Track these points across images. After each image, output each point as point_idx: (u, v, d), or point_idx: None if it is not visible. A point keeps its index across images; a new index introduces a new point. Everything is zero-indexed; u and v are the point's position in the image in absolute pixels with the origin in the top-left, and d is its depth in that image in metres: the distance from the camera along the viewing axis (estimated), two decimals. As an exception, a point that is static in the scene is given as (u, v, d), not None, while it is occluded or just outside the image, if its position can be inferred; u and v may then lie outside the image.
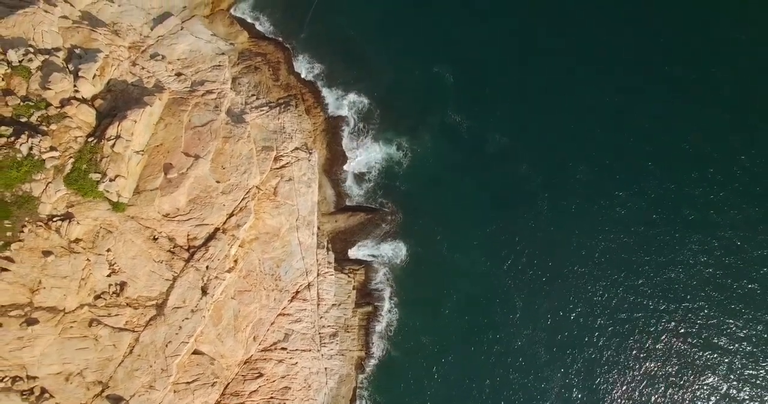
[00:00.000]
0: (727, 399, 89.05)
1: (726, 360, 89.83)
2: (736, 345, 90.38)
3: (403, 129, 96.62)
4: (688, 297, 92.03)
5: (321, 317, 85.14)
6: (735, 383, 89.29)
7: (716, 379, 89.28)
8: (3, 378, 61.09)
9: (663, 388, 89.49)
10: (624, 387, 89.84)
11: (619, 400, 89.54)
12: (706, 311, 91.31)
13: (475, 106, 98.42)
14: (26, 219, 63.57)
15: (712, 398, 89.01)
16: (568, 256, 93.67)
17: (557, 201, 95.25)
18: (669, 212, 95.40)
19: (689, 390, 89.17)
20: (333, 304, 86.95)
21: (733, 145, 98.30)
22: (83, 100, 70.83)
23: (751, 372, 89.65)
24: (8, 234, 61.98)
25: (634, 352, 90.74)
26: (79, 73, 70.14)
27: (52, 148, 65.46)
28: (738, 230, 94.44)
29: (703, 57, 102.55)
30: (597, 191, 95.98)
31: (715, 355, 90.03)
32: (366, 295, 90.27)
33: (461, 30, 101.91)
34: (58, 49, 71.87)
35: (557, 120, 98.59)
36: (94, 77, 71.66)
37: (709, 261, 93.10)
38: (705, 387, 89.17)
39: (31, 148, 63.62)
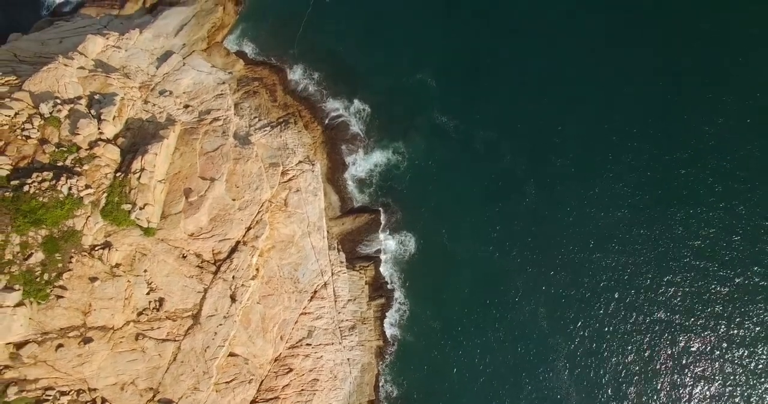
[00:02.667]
0: (723, 361, 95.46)
1: (719, 326, 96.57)
2: (729, 311, 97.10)
3: (396, 134, 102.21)
4: (682, 269, 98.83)
5: (339, 312, 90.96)
6: (730, 346, 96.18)
7: (712, 344, 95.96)
8: (69, 391, 66.95)
9: (661, 357, 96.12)
10: (624, 356, 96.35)
11: (619, 367, 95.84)
12: (700, 281, 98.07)
13: (459, 107, 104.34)
14: (72, 250, 68.97)
15: (707, 364, 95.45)
16: (560, 235, 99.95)
17: (543, 185, 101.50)
18: (654, 189, 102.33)
19: (686, 357, 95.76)
20: (349, 300, 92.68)
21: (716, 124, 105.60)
22: (108, 140, 76.25)
23: (741, 331, 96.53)
24: (59, 265, 67.42)
25: (630, 323, 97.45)
26: (101, 117, 75.58)
27: (87, 186, 70.86)
28: (723, 204, 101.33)
29: (682, 41, 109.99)
30: (579, 173, 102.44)
31: (710, 322, 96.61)
32: (378, 289, 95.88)
33: (439, 38, 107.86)
34: (80, 98, 77.13)
35: (535, 112, 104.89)
36: (113, 118, 76.98)
37: (702, 233, 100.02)
38: (702, 354, 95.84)
39: (70, 188, 68.95)
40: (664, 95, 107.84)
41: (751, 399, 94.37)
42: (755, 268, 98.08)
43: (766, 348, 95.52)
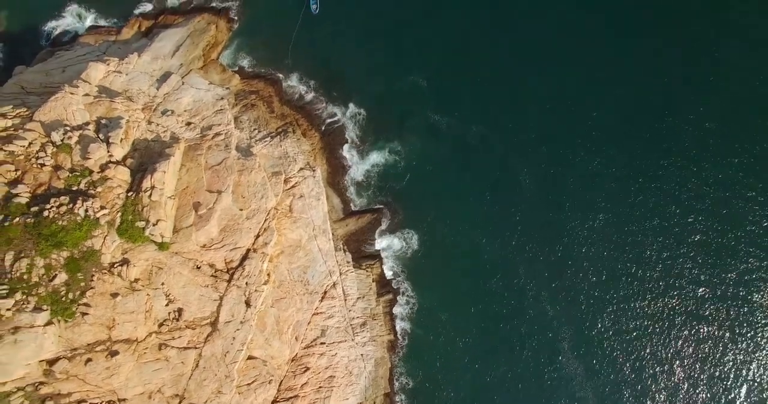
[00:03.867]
0: (727, 324, 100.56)
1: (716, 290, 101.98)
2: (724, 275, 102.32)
3: (392, 134, 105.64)
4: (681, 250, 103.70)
5: (349, 310, 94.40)
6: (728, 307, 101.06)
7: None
8: (100, 403, 70.59)
9: (660, 330, 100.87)
10: (626, 333, 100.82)
11: (623, 345, 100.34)
12: (702, 251, 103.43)
13: (451, 105, 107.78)
14: (93, 269, 72.18)
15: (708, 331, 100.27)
16: (557, 221, 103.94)
17: (537, 173, 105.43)
18: (646, 174, 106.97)
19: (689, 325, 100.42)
20: (358, 297, 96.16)
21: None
22: (117, 162, 79.35)
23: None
24: (82, 284, 70.65)
25: (631, 302, 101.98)
26: (110, 140, 78.64)
27: (102, 207, 73.95)
28: (709, 177, 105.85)
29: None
30: (571, 160, 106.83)
31: (717, 309, 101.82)
32: (385, 285, 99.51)
33: (428, 40, 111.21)
34: (88, 123, 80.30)
35: (524, 106, 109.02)
36: (121, 141, 79.98)
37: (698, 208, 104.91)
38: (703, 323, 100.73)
39: (86, 210, 71.96)
40: (652, 85, 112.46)
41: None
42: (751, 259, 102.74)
43: None
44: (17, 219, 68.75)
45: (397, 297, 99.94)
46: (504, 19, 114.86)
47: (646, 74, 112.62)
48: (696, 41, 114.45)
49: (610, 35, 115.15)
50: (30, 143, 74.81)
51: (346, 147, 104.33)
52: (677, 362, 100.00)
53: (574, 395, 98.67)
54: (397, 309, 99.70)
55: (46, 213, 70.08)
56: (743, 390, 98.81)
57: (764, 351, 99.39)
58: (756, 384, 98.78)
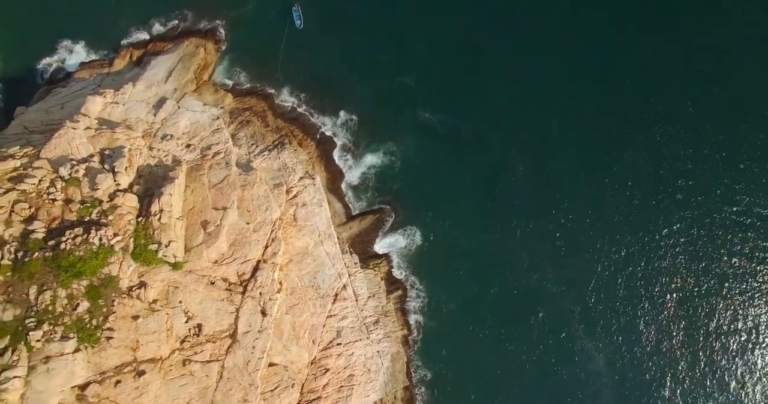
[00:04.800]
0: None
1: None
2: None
3: (385, 136, 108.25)
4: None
5: (362, 310, 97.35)
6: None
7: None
8: None
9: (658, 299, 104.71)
10: (628, 307, 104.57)
11: (627, 318, 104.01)
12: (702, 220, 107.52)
13: (440, 102, 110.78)
14: (113, 295, 74.92)
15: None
16: (553, 205, 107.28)
17: (529, 161, 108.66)
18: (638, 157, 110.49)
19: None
20: (369, 297, 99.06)
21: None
22: (125, 190, 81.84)
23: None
24: (104, 310, 73.45)
25: (631, 279, 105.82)
26: (115, 169, 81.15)
27: (115, 235, 76.49)
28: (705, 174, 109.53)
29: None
30: (561, 145, 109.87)
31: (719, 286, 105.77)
32: (394, 282, 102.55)
33: (410, 41, 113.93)
34: (92, 156, 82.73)
35: (511, 97, 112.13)
36: (126, 169, 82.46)
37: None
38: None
39: (101, 239, 74.57)
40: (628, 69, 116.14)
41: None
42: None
43: None
44: (36, 254, 71.47)
45: (407, 293, 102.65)
46: (485, 15, 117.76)
47: (625, 63, 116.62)
48: (697, 37, 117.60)
49: (602, 25, 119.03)
50: (40, 180, 77.29)
51: (340, 153, 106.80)
52: (680, 331, 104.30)
53: (588, 370, 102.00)
54: (408, 304, 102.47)
55: (62, 245, 72.76)
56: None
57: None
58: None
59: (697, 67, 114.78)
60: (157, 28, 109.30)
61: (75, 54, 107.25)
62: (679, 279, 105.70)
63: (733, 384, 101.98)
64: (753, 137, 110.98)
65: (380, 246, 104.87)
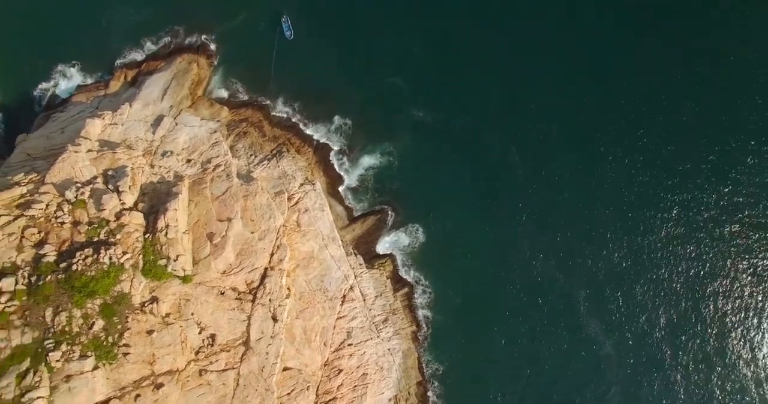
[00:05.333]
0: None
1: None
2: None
3: (381, 137, 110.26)
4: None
5: (370, 309, 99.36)
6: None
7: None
8: None
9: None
10: (632, 286, 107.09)
11: (631, 294, 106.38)
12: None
13: (432, 100, 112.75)
14: (126, 311, 76.58)
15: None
16: (549, 194, 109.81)
17: (523, 152, 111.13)
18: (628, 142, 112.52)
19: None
20: (376, 296, 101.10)
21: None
22: (130, 208, 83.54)
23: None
24: (119, 327, 75.08)
25: (632, 259, 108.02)
26: (119, 189, 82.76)
27: (124, 253, 78.16)
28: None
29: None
30: (553, 135, 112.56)
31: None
32: (399, 280, 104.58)
33: (397, 43, 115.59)
34: (96, 177, 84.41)
35: (500, 92, 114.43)
36: (129, 188, 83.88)
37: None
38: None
39: (110, 258, 76.15)
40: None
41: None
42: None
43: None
44: (49, 277, 73.19)
45: (414, 289, 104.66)
46: (472, 15, 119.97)
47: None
48: (694, 38, 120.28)
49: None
50: (47, 205, 78.83)
51: (337, 157, 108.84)
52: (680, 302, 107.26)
53: (596, 353, 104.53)
54: (415, 301, 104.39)
55: (74, 266, 74.39)
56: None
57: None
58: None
59: (695, 69, 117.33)
60: (149, 46, 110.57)
61: (70, 78, 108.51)
62: (680, 260, 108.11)
63: (741, 362, 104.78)
64: (747, 139, 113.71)
65: (384, 245, 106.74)
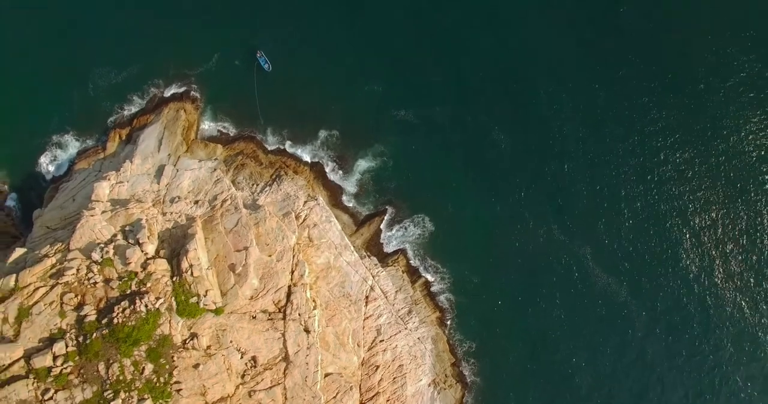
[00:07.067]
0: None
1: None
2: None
3: (370, 141, 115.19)
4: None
5: (393, 305, 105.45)
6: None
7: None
8: None
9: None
10: (637, 239, 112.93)
11: (632, 248, 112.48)
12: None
13: (410, 97, 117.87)
14: (171, 351, 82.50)
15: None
16: (540, 167, 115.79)
17: (508, 130, 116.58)
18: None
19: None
20: (396, 291, 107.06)
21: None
22: (153, 257, 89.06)
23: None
24: (167, 367, 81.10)
25: (619, 206, 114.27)
26: (139, 241, 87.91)
27: (157, 298, 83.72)
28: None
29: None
30: (534, 112, 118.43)
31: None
32: (415, 272, 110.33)
33: (366, 52, 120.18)
34: (115, 235, 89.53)
35: (474, 77, 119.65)
36: (148, 238, 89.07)
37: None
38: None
39: (146, 306, 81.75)
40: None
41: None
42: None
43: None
44: (95, 334, 79.29)
45: (430, 277, 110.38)
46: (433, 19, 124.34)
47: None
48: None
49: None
50: (77, 269, 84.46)
51: (332, 169, 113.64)
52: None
53: (615, 300, 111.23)
54: (434, 288, 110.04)
55: (115, 320, 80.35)
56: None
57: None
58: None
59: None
60: (137, 101, 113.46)
61: (67, 146, 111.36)
62: (676, 204, 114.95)
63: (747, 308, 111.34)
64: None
65: (393, 242, 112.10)
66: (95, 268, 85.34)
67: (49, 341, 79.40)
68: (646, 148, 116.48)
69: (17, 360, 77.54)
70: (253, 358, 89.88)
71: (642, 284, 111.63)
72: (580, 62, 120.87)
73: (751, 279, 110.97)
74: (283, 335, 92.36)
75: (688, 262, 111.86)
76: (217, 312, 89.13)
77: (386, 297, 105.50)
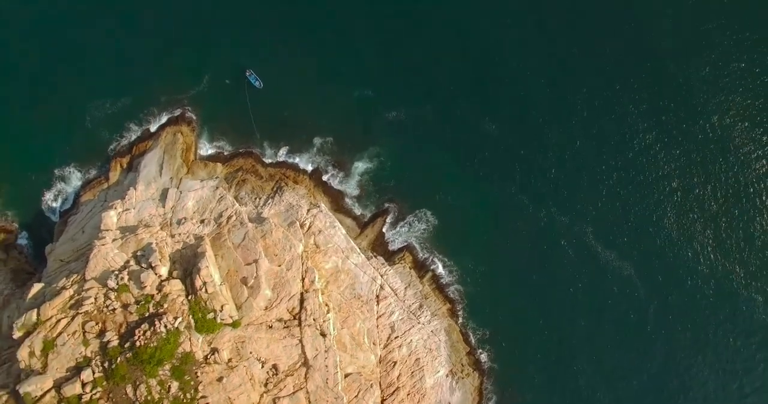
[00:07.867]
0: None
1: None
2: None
3: (365, 143, 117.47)
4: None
5: (404, 301, 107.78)
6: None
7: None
8: None
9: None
10: (633, 214, 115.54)
11: (631, 223, 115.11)
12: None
13: (399, 98, 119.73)
14: (194, 367, 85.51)
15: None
16: (531, 151, 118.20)
17: (497, 119, 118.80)
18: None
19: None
20: (405, 287, 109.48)
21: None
22: (167, 278, 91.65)
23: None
24: (192, 383, 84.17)
25: (614, 183, 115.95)
26: (152, 265, 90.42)
27: (175, 318, 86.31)
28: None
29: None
30: (518, 100, 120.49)
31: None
32: (422, 267, 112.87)
33: (354, 60, 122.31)
34: (128, 261, 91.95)
35: (457, 72, 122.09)
36: (160, 261, 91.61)
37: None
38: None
39: (165, 326, 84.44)
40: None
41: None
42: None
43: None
44: (119, 358, 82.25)
45: (438, 271, 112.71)
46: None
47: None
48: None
49: None
50: (95, 298, 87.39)
51: (330, 174, 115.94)
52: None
53: (620, 275, 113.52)
54: (442, 280, 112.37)
55: (137, 343, 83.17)
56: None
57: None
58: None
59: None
60: (134, 129, 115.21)
61: (70, 179, 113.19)
62: (672, 175, 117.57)
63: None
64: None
65: (399, 239, 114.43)
66: (112, 295, 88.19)
67: (76, 369, 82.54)
68: (627, 130, 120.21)
69: (48, 391, 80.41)
70: (274, 366, 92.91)
71: (646, 259, 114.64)
72: (564, 48, 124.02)
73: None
74: (301, 341, 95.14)
75: (675, 226, 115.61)
76: (235, 325, 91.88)
77: (396, 294, 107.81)
